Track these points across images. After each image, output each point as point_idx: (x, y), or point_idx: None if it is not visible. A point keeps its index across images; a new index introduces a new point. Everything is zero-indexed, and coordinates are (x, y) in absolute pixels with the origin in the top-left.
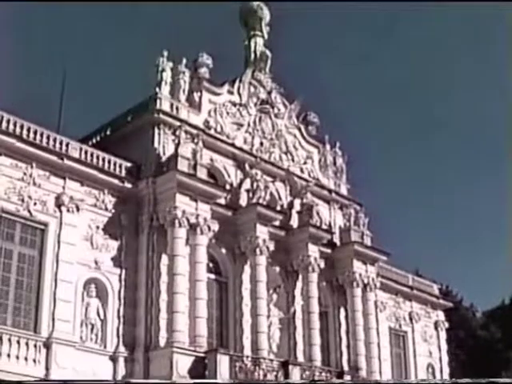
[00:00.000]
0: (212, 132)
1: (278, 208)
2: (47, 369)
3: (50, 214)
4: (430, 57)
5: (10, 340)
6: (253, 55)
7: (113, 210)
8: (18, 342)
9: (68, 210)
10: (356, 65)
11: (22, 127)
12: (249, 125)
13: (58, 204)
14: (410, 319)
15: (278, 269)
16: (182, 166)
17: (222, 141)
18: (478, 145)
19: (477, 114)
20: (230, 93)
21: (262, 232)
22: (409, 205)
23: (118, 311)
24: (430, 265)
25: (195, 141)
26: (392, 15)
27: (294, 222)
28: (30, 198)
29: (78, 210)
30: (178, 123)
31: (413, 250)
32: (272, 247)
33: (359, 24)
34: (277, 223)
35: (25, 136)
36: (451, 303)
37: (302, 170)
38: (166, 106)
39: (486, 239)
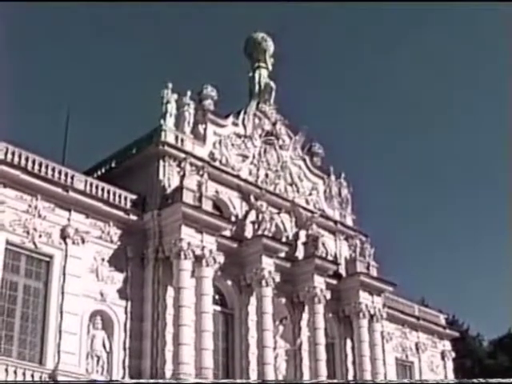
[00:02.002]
0: (217, 164)
1: (284, 239)
2: None
3: (56, 246)
4: (432, 84)
5: (15, 372)
6: (257, 87)
7: (118, 242)
8: (24, 374)
9: (73, 242)
10: (360, 96)
11: (26, 159)
12: (254, 156)
13: (64, 236)
14: (417, 349)
15: (284, 300)
16: (188, 198)
17: (227, 173)
18: (482, 173)
19: (479, 142)
20: (235, 124)
21: (268, 264)
22: (414, 234)
23: (124, 343)
24: (436, 294)
25: (200, 173)
26: (391, 44)
27: (300, 253)
28: (35, 230)
29: (83, 242)
30: (182, 155)
31: (419, 279)
32: (278, 279)
33: (360, 55)
34: (282, 255)
35: (30, 168)
36: (458, 333)
37: (307, 202)
38: (170, 138)
39: (492, 268)
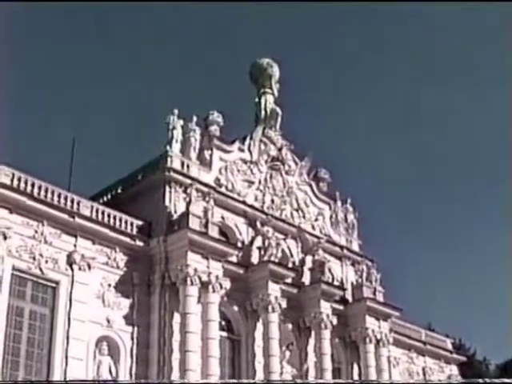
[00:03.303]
0: (223, 190)
1: (290, 265)
2: None
3: (62, 272)
4: (438, 104)
5: None
6: (263, 112)
7: (124, 268)
8: None
9: (79, 268)
10: (366, 121)
11: (33, 185)
12: (260, 182)
13: (70, 262)
14: (424, 374)
15: (290, 326)
16: (194, 224)
17: (233, 198)
18: (491, 198)
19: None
20: (241, 150)
21: (274, 289)
22: (421, 259)
23: (130, 369)
24: (443, 319)
25: (206, 199)
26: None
27: (306, 278)
28: (41, 255)
29: (89, 268)
30: (188, 181)
31: (425, 304)
32: (284, 304)
33: (366, 79)
34: (289, 280)
35: (36, 194)
36: (464, 357)
37: (313, 227)
38: (176, 164)
39: (499, 292)
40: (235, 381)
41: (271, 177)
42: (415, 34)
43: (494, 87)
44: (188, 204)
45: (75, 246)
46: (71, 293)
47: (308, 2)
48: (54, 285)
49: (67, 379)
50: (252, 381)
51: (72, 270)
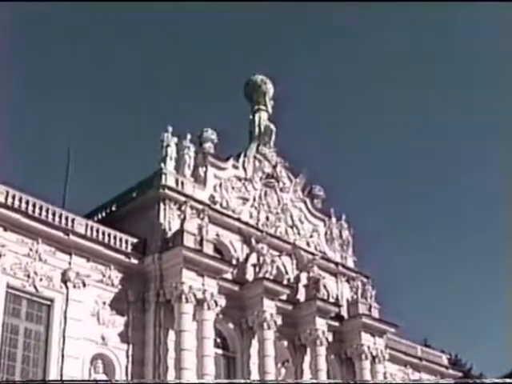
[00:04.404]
0: (218, 207)
1: (285, 282)
2: None
3: (56, 290)
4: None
5: None
6: (257, 129)
7: (119, 286)
8: None
9: (74, 286)
10: (361, 138)
11: (27, 203)
12: (254, 199)
13: (64, 280)
14: None
15: (285, 343)
16: (188, 241)
17: (227, 216)
18: (491, 215)
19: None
20: (235, 167)
21: (269, 306)
22: (416, 275)
23: None
24: (439, 334)
25: (201, 216)
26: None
27: (301, 295)
28: (35, 273)
29: (84, 285)
30: (183, 198)
31: (421, 320)
32: (279, 321)
33: (360, 95)
34: (284, 297)
35: (30, 211)
36: (461, 372)
37: (308, 244)
38: (171, 182)
39: (495, 307)
40: (231, 381)
41: (266, 194)
42: (414, 47)
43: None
44: (183, 221)
45: (70, 263)
46: (66, 310)
47: (303, 16)
48: (48, 302)
49: None
50: (248, 381)
51: (67, 287)
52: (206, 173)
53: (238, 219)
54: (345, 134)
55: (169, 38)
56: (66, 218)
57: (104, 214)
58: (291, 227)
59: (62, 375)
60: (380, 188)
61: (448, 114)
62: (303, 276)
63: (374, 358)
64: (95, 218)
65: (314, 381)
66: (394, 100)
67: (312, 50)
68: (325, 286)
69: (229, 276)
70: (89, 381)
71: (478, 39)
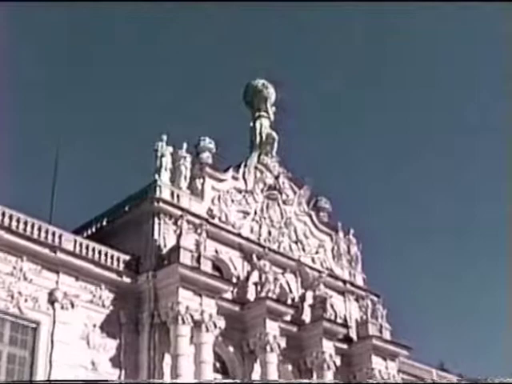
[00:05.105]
0: (216, 221)
1: (289, 301)
2: None
3: (43, 312)
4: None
5: None
6: (258, 138)
7: (110, 307)
8: None
9: (62, 307)
10: (369, 146)
11: (10, 218)
12: (255, 213)
13: (51, 300)
14: None
15: (290, 367)
16: (185, 258)
17: (227, 231)
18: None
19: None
20: (235, 179)
21: (273, 328)
22: (430, 293)
23: None
24: (456, 357)
25: (198, 231)
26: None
27: (307, 316)
28: (20, 294)
29: (72, 306)
30: (179, 212)
31: (436, 341)
32: (283, 344)
33: (367, 99)
34: (288, 318)
35: (14, 227)
36: None
37: (313, 260)
38: (166, 194)
39: None
40: (231, 381)
41: (268, 207)
42: (419, 53)
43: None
44: (179, 237)
45: (57, 283)
46: (53, 334)
47: (304, 17)
48: (34, 325)
49: None
50: (249, 381)
51: (54, 309)
52: (203, 185)
53: (239, 234)
54: (352, 143)
55: (164, 39)
56: (53, 234)
57: (94, 230)
58: (295, 242)
59: None
60: (392, 200)
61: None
62: (309, 295)
63: (385, 383)
64: (84, 234)
65: (314, 381)
66: (404, 103)
67: (316, 52)
68: (332, 306)
69: (229, 295)
70: (88, 381)
71: None
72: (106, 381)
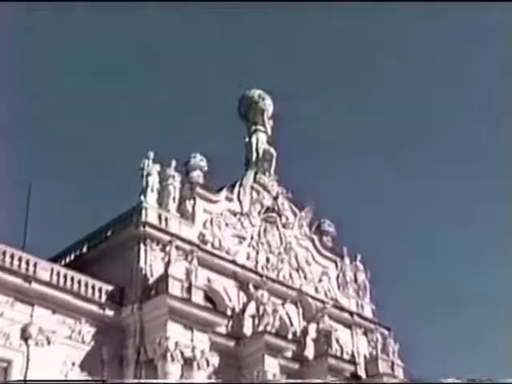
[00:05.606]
0: (208, 247)
1: (290, 336)
2: None
3: (15, 349)
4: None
5: None
6: (255, 154)
7: (91, 343)
8: None
9: (36, 344)
10: (377, 164)
11: None
12: (252, 237)
13: (25, 337)
14: None
15: None
16: (174, 288)
17: (220, 257)
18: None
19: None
20: (229, 200)
21: (272, 365)
22: (446, 325)
23: None
24: None
25: (189, 258)
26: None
27: (310, 351)
28: None
29: (48, 343)
30: (167, 238)
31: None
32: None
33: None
34: (289, 354)
35: None
36: None
37: (316, 290)
38: (152, 218)
39: None
40: (231, 381)
41: (265, 231)
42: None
43: None
44: (167, 265)
45: (31, 316)
46: (26, 373)
47: (305, 20)
48: (5, 364)
49: None
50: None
51: (27, 345)
52: (194, 207)
53: (233, 261)
54: (359, 160)
55: (151, 48)
56: (27, 262)
57: (73, 257)
58: (296, 270)
59: None
60: (403, 223)
61: None
62: (311, 328)
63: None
64: (62, 262)
65: (314, 381)
66: (410, 112)
67: (317, 60)
68: (337, 340)
69: (223, 330)
70: (87, 381)
71: None
72: (104, 381)
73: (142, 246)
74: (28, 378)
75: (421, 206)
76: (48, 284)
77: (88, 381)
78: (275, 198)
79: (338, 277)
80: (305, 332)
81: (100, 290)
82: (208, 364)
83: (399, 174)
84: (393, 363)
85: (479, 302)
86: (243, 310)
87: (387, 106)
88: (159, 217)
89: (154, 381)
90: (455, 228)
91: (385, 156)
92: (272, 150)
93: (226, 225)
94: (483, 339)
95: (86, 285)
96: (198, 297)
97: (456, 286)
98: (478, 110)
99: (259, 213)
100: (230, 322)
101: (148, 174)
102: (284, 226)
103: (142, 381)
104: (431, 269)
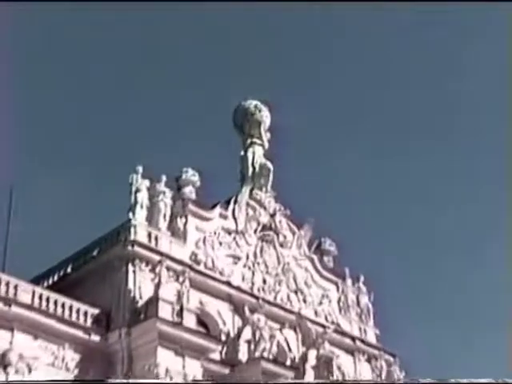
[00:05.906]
0: (201, 268)
1: (288, 362)
2: None
3: None
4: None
5: None
6: (251, 169)
7: (76, 370)
8: None
9: (17, 372)
10: (379, 180)
11: None
12: (248, 257)
13: (4, 364)
14: None
15: None
16: (164, 311)
17: (214, 279)
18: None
19: None
20: (223, 217)
21: None
22: (454, 351)
23: None
24: None
25: (180, 279)
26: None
27: (310, 378)
28: None
29: (29, 371)
30: (157, 257)
31: None
32: None
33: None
34: (287, 381)
35: None
36: None
37: (316, 313)
38: (142, 236)
39: None
40: (231, 381)
41: (262, 250)
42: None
43: None
44: (157, 286)
45: (11, 342)
46: None
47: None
48: None
49: None
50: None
51: (6, 373)
52: (185, 225)
53: (228, 283)
54: (361, 175)
55: (141, 56)
56: (7, 284)
57: (56, 279)
58: (295, 292)
59: None
60: (408, 242)
61: None
62: (311, 354)
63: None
64: (45, 284)
65: (314, 381)
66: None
67: (316, 70)
68: (339, 368)
69: (216, 356)
70: (86, 381)
71: None
72: (103, 381)
73: (130, 266)
74: None
75: (426, 226)
76: (29, 307)
77: (88, 381)
78: (272, 216)
79: (339, 299)
80: (304, 358)
81: (85, 313)
82: None
83: (403, 186)
84: None
85: (491, 324)
86: (238, 335)
87: (387, 110)
88: (149, 235)
89: (155, 381)
90: (464, 245)
91: (394, 172)
92: (269, 164)
93: (220, 244)
94: (494, 365)
95: (71, 308)
96: (189, 321)
97: (466, 307)
98: (478, 110)
99: (255, 231)
100: (225, 348)
101: (137, 190)
102: (282, 245)
103: (142, 381)
104: (439, 290)
